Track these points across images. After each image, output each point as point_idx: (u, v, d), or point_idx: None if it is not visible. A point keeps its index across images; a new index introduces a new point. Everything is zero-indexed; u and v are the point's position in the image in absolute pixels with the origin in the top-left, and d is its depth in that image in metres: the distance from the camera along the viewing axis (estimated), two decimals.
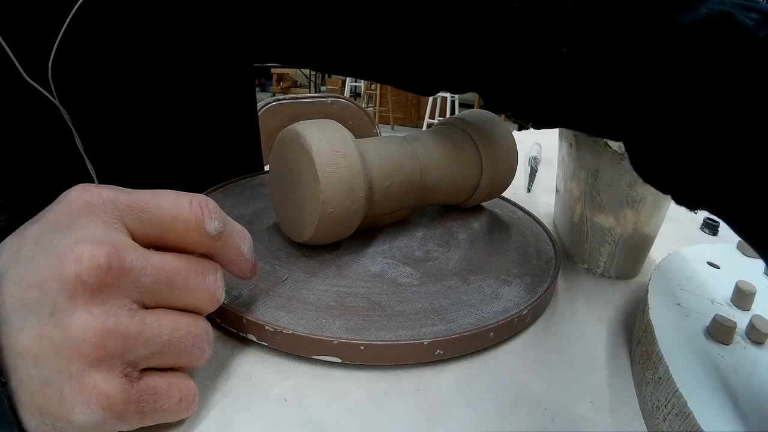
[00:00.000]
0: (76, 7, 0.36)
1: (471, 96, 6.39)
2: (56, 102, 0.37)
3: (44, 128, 0.39)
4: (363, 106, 1.23)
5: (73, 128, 0.39)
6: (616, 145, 0.36)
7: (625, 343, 0.32)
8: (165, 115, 0.46)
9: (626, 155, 0.35)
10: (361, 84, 5.68)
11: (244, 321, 0.27)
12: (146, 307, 0.20)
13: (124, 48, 0.41)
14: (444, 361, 0.28)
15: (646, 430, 0.25)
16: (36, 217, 0.21)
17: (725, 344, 0.27)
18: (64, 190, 0.21)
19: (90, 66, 0.40)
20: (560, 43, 0.29)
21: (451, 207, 0.46)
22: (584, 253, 0.40)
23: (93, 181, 0.41)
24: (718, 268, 0.36)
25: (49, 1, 0.36)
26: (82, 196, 0.20)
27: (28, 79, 0.35)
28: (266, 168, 0.55)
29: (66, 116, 0.38)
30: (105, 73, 0.41)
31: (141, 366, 0.20)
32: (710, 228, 0.53)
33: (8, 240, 0.20)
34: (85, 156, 0.41)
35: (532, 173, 0.65)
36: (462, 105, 5.02)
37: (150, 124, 0.45)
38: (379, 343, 0.26)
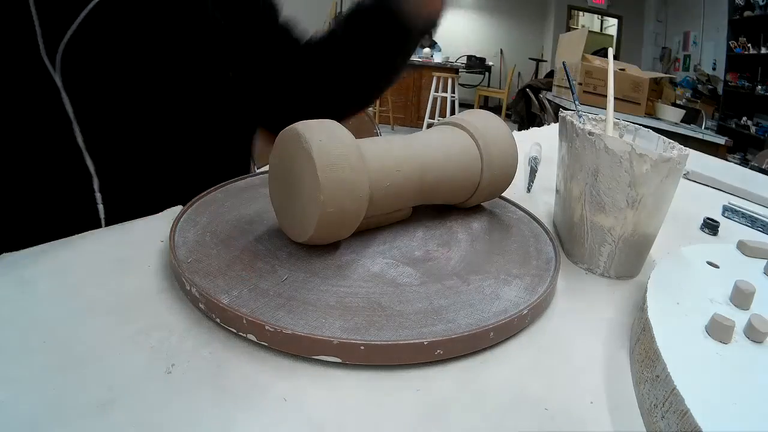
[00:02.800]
0: (90, 5, 0.38)
1: (471, 96, 6.39)
2: (62, 91, 0.38)
3: (45, 119, 0.39)
4: None
5: (74, 119, 0.39)
6: (617, 146, 0.36)
7: (624, 343, 0.32)
8: (166, 115, 0.47)
9: (626, 155, 0.35)
10: None
11: (244, 321, 0.27)
12: None
13: (136, 49, 0.42)
14: (444, 361, 0.28)
15: (645, 429, 0.25)
16: None
17: (724, 343, 0.27)
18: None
19: (99, 61, 0.41)
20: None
21: (451, 207, 0.46)
22: (584, 253, 0.40)
23: (90, 176, 0.42)
24: (718, 267, 0.36)
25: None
26: None
27: (45, 59, 0.37)
28: (265, 168, 0.55)
29: (69, 107, 0.39)
30: (113, 70, 0.42)
31: None
32: (710, 228, 0.53)
33: None
34: (84, 150, 0.41)
35: (532, 173, 0.65)
36: (462, 105, 5.02)
37: (151, 122, 0.46)
38: (379, 343, 0.26)
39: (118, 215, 0.40)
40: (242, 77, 0.55)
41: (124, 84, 0.43)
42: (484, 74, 6.74)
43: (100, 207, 0.44)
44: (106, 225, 0.43)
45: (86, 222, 0.38)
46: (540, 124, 2.57)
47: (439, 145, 0.40)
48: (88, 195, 0.42)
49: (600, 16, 7.01)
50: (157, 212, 0.40)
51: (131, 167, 0.45)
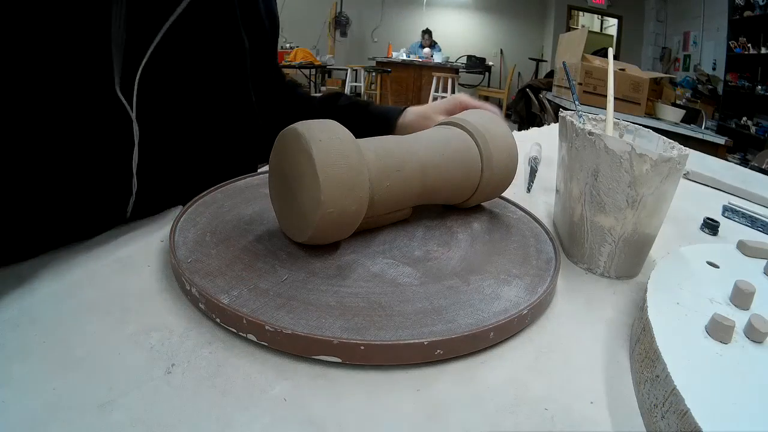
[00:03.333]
0: (163, 29, 0.40)
1: (471, 96, 6.39)
2: (131, 112, 0.40)
3: (113, 143, 0.41)
4: None
5: (137, 145, 0.41)
6: (617, 146, 0.36)
7: (624, 343, 0.32)
8: (206, 140, 0.50)
9: (626, 155, 0.35)
10: (362, 84, 5.68)
11: (244, 321, 0.27)
12: None
13: (192, 76, 0.46)
14: (444, 361, 0.28)
15: (645, 429, 0.25)
16: None
17: (724, 343, 0.27)
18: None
19: (166, 89, 0.44)
20: None
21: (451, 207, 0.46)
22: (584, 253, 0.40)
23: (130, 195, 0.43)
24: (718, 267, 0.36)
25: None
26: None
27: (118, 91, 0.39)
28: (265, 168, 0.56)
29: (136, 134, 0.41)
30: (175, 98, 0.45)
31: None
32: (710, 228, 0.53)
33: None
34: (135, 174, 0.42)
35: (532, 173, 0.65)
36: None
37: (193, 146, 0.48)
38: (379, 343, 0.26)
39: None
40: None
41: (179, 111, 0.46)
42: (484, 74, 6.74)
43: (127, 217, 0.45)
44: None
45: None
46: (540, 124, 2.57)
47: (439, 145, 0.40)
48: (121, 213, 0.43)
49: (600, 16, 7.02)
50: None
51: (163, 188, 0.46)
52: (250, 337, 0.27)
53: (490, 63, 6.73)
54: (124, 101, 0.39)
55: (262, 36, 0.58)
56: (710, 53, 5.01)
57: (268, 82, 0.62)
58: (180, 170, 0.48)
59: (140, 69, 0.39)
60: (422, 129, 0.53)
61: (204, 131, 0.49)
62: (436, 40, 6.31)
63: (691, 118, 3.08)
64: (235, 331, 0.28)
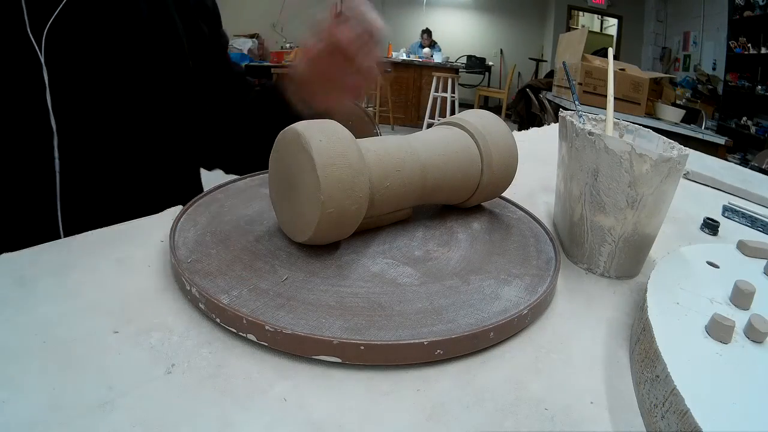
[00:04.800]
0: None
1: (471, 96, 6.39)
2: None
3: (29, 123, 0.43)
4: (363, 106, 1.23)
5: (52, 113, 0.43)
6: (617, 146, 0.36)
7: (624, 343, 0.32)
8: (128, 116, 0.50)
9: (626, 155, 0.35)
10: None
11: (244, 321, 0.27)
12: None
13: (106, 39, 0.47)
14: (444, 361, 0.28)
15: (645, 429, 0.25)
16: None
17: (724, 343, 0.27)
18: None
19: (77, 51, 0.45)
20: None
21: (451, 207, 0.46)
22: (584, 253, 0.40)
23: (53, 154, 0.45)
24: (718, 267, 0.36)
25: None
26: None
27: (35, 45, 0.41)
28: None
29: (49, 100, 0.43)
30: (89, 63, 0.46)
31: None
32: (710, 228, 0.53)
33: None
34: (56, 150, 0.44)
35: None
36: (462, 105, 5.02)
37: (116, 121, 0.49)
38: (379, 343, 0.26)
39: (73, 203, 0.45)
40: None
41: (97, 80, 0.47)
42: (484, 74, 6.74)
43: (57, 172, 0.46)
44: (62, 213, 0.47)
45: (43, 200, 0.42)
46: (540, 124, 2.56)
47: (439, 145, 0.40)
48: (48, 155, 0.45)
49: (600, 16, 7.02)
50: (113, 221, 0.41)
51: (92, 159, 0.48)
52: (250, 337, 0.27)
53: (490, 63, 6.73)
54: (34, 42, 0.41)
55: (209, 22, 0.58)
56: (710, 53, 5.01)
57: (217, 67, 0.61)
58: (101, 130, 0.48)
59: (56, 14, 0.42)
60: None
61: (127, 105, 0.49)
62: (436, 40, 6.31)
63: (691, 118, 3.08)
64: (235, 331, 0.28)
